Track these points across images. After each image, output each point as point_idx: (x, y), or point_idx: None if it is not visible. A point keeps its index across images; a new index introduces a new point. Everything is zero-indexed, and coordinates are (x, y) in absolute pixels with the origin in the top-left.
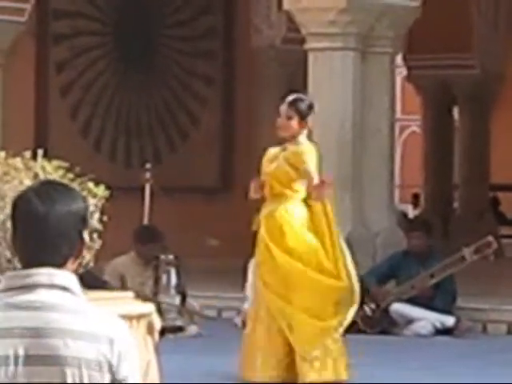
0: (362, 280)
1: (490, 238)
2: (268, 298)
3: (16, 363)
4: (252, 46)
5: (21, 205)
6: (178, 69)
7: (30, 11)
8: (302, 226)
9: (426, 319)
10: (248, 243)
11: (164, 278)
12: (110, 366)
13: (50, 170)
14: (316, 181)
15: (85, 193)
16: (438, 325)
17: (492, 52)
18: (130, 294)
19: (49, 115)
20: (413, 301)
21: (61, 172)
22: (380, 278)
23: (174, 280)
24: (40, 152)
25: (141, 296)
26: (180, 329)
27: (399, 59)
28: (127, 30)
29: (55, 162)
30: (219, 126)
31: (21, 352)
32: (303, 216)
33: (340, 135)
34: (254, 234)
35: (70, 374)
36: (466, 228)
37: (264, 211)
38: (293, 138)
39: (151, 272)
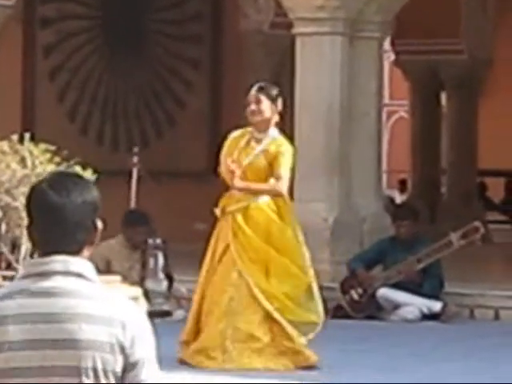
0: (348, 265)
1: (478, 223)
2: (254, 283)
3: (32, 347)
4: (240, 31)
5: (36, 196)
6: (165, 53)
7: None
8: (276, 219)
9: (413, 304)
10: None
11: (151, 262)
12: (123, 349)
13: (37, 153)
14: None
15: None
16: (425, 310)
17: (480, 37)
18: (117, 277)
19: (36, 99)
20: (400, 286)
21: (48, 155)
22: (367, 264)
23: (161, 264)
24: (27, 135)
25: (128, 280)
26: (167, 313)
27: (387, 44)
28: (114, 13)
29: (42, 146)
30: (206, 111)
31: (37, 337)
32: (274, 208)
33: (328, 120)
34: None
35: (84, 357)
36: (453, 213)
37: (240, 202)
38: (264, 126)
39: (139, 256)
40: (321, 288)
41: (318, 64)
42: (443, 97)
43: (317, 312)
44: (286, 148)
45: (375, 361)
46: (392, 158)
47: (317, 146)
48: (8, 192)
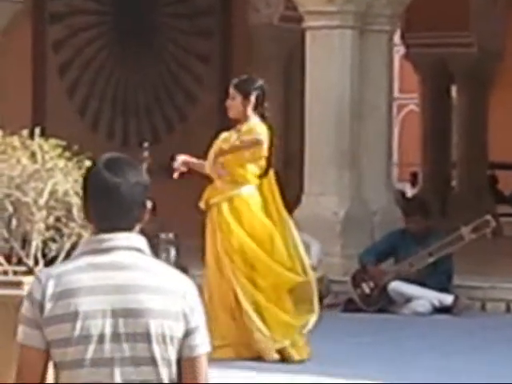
0: (360, 258)
1: (489, 217)
2: (240, 283)
3: (105, 316)
4: (249, 25)
5: (93, 177)
6: (176, 47)
7: None
8: (260, 213)
9: (425, 297)
10: None
11: (163, 256)
12: (185, 316)
13: (48, 148)
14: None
15: (83, 171)
16: (437, 303)
17: (490, 30)
18: None
19: (46, 94)
20: (408, 279)
21: (58, 150)
22: (378, 257)
23: (173, 259)
24: (37, 131)
25: None
26: None
27: (397, 37)
28: (124, 8)
29: (52, 141)
30: (216, 105)
31: (109, 307)
32: (258, 201)
33: (338, 114)
34: (203, 212)
35: (154, 325)
36: (464, 206)
37: (223, 193)
38: (244, 119)
39: (151, 250)
40: (320, 281)
41: (327, 58)
42: (453, 90)
43: (299, 315)
44: (259, 126)
45: (386, 354)
46: (402, 151)
47: (327, 139)
48: (18, 187)
